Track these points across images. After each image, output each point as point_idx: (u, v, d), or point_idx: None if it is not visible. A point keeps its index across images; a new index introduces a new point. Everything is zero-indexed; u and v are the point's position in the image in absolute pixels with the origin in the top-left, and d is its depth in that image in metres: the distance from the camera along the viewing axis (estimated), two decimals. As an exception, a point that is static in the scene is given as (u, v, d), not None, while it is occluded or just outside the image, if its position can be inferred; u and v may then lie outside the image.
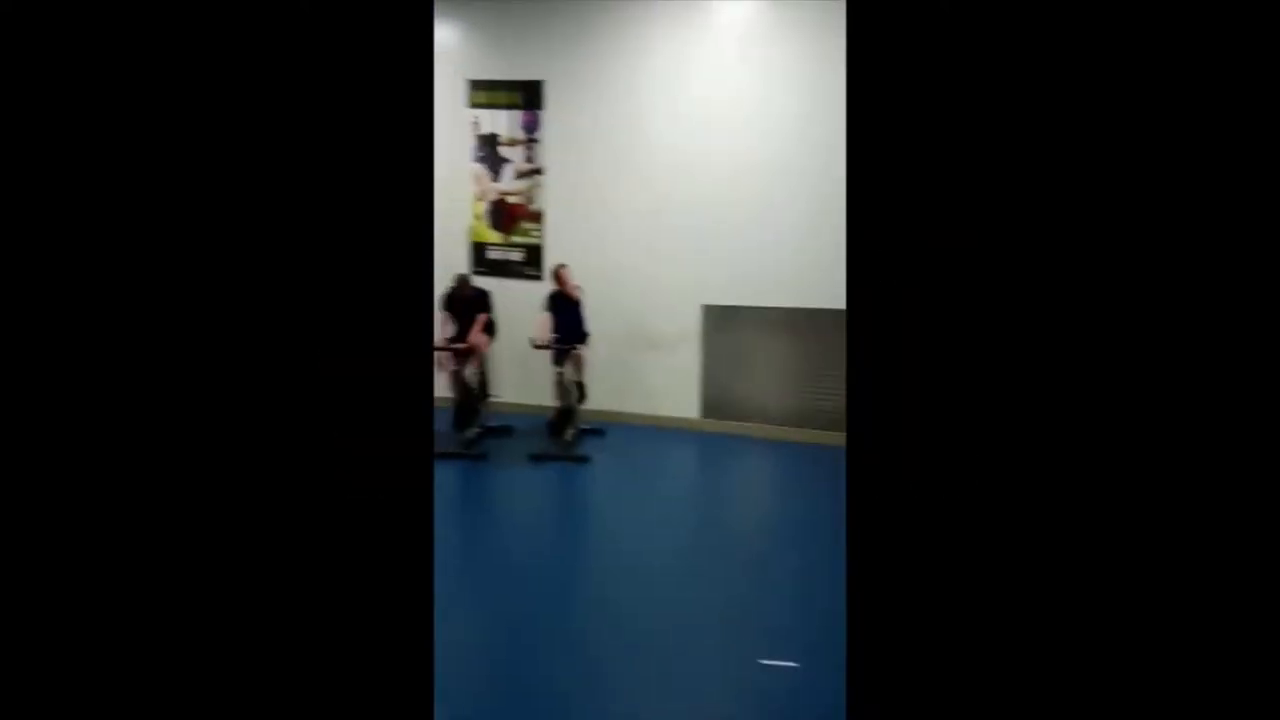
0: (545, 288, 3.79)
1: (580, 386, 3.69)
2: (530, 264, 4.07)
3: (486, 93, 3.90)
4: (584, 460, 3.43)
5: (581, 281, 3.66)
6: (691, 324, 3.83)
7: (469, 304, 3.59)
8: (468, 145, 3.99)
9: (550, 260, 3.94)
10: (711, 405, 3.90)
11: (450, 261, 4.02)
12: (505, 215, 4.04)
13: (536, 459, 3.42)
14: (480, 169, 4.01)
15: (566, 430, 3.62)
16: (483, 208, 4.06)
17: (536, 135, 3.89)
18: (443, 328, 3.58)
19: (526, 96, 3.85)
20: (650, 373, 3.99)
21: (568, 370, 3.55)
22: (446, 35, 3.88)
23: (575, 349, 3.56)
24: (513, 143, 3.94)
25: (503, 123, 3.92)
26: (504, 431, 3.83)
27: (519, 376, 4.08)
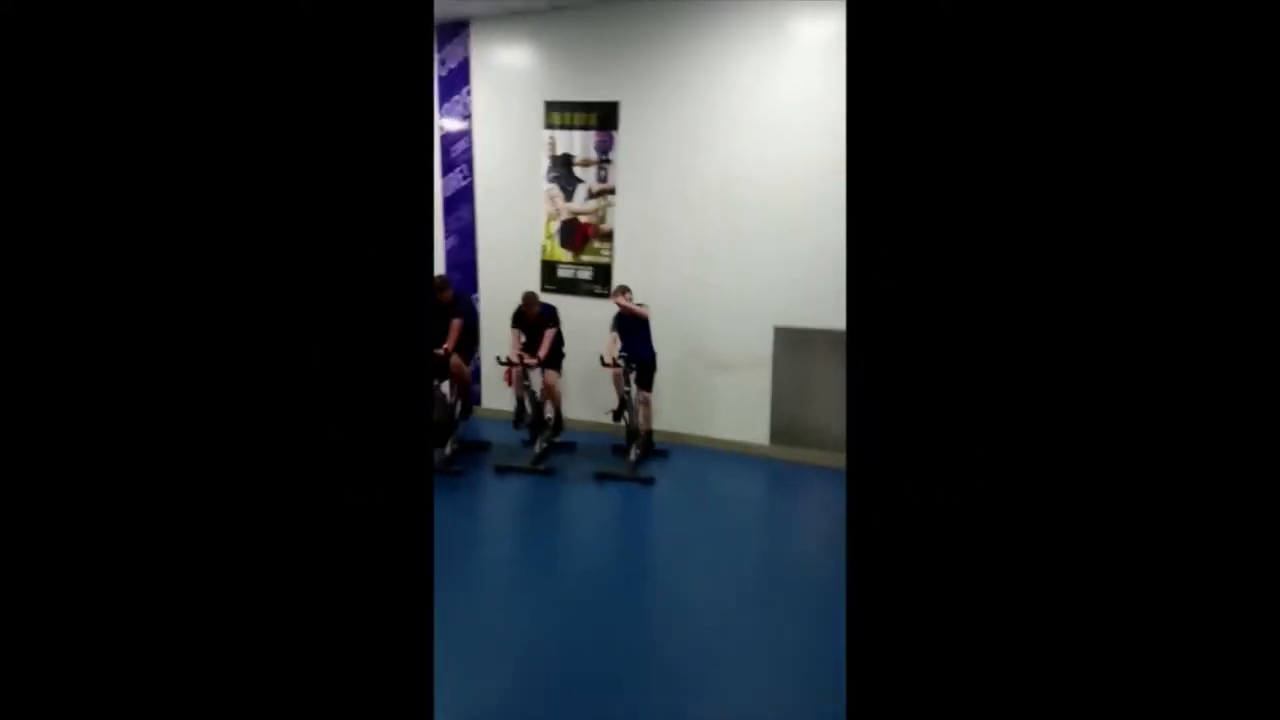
0: (614, 307, 3.80)
1: (648, 434, 3.68)
2: (599, 283, 4.09)
3: (562, 114, 3.99)
4: (649, 482, 3.38)
5: (650, 301, 3.64)
6: (763, 346, 3.74)
7: (537, 320, 3.64)
8: (542, 166, 4.07)
9: (620, 280, 3.95)
10: (781, 431, 3.77)
11: (521, 280, 4.11)
12: (576, 234, 4.09)
13: (602, 477, 3.40)
14: (553, 189, 4.08)
15: (631, 450, 3.59)
16: (554, 227, 4.13)
17: (610, 155, 3.93)
18: (514, 344, 3.64)
19: (601, 117, 3.91)
20: (719, 395, 3.91)
21: (636, 396, 3.53)
22: (523, 57, 4.00)
23: (644, 396, 3.57)
24: (586, 163, 3.99)
25: (577, 143, 3.99)
26: (569, 448, 3.84)
27: (585, 394, 4.09)
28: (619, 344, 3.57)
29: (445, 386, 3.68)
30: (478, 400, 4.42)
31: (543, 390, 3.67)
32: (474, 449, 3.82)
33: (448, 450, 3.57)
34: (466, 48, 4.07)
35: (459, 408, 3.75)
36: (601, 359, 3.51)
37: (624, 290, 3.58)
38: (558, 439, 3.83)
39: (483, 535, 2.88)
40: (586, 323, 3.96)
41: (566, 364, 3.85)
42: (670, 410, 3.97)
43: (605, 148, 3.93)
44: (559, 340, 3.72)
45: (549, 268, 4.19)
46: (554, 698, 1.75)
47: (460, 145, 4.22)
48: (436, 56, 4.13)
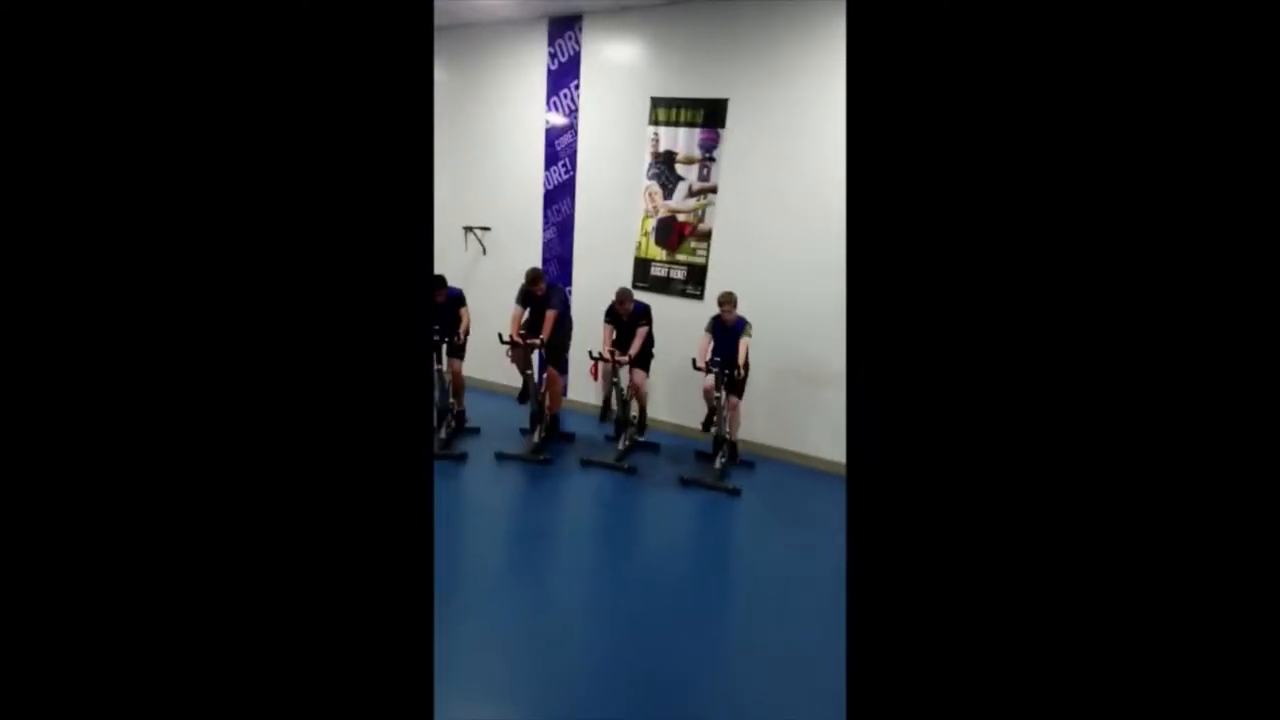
0: (706, 308, 3.73)
1: (733, 443, 3.59)
2: (693, 283, 4.03)
3: (668, 109, 3.92)
4: (735, 493, 3.32)
5: (743, 306, 3.54)
6: (863, 362, 3.55)
7: (630, 317, 3.64)
8: (644, 162, 4.04)
9: (714, 281, 3.87)
10: (876, 452, 3.58)
11: (615, 275, 4.12)
12: (673, 232, 4.04)
13: (686, 483, 3.38)
14: (653, 185, 4.04)
15: (716, 458, 3.54)
16: (651, 224, 4.10)
17: (714, 154, 3.84)
18: (605, 339, 3.67)
19: (708, 114, 3.81)
20: (812, 410, 3.77)
21: (725, 402, 3.46)
22: (633, 52, 3.96)
23: (734, 401, 3.48)
24: (689, 160, 3.92)
25: (681, 140, 3.91)
26: (653, 448, 3.84)
27: (673, 397, 4.07)
28: (713, 347, 3.51)
29: (536, 375, 3.76)
30: (564, 391, 4.50)
31: (629, 388, 3.67)
32: (560, 439, 3.91)
33: (536, 438, 3.67)
34: (578, 42, 4.08)
35: (546, 398, 3.84)
36: (694, 362, 3.47)
37: (729, 299, 3.47)
38: (641, 438, 3.83)
39: (566, 528, 2.94)
40: (677, 323, 3.92)
41: (654, 364, 3.83)
42: (760, 422, 3.87)
43: (710, 146, 3.84)
44: (650, 340, 3.70)
45: (642, 265, 4.17)
46: (614, 701, 1.75)
47: (565, 139, 4.26)
48: (547, 50, 4.17)
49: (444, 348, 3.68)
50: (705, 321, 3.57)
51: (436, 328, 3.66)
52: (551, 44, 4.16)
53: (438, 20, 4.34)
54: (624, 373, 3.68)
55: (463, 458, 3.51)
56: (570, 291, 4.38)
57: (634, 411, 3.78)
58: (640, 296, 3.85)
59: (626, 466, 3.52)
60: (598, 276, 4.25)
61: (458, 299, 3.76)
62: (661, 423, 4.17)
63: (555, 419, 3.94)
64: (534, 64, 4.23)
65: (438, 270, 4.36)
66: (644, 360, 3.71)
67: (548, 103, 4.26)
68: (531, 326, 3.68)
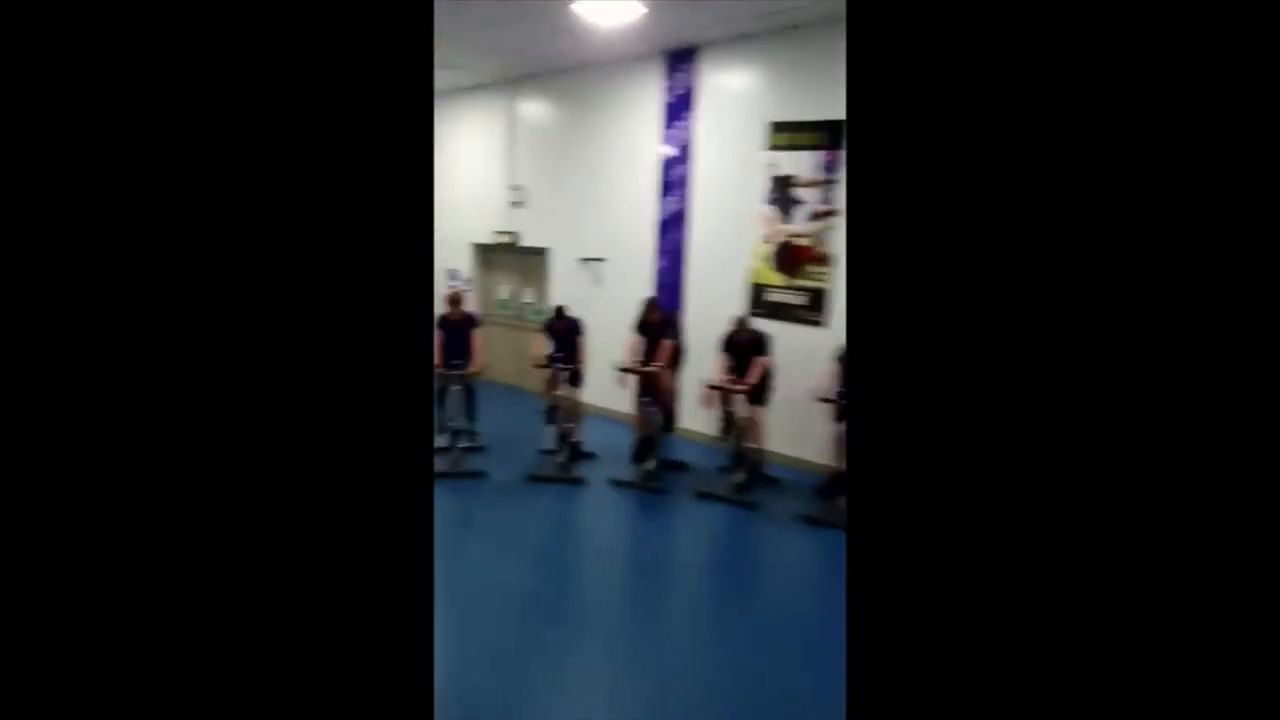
0: (829, 335, 3.56)
1: None
2: (813, 309, 3.87)
3: (786, 134, 3.85)
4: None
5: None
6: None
7: (746, 346, 3.55)
8: (760, 188, 3.98)
9: (838, 307, 3.69)
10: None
11: (728, 302, 4.07)
12: (791, 257, 3.92)
13: (809, 520, 3.19)
14: (770, 210, 3.96)
15: (839, 496, 3.32)
16: (768, 249, 4.01)
17: (835, 176, 3.69)
18: (721, 368, 3.61)
19: (828, 136, 3.68)
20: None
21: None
22: (749, 80, 3.94)
23: None
24: (809, 184, 3.80)
25: (800, 164, 3.81)
26: (772, 482, 3.69)
27: (792, 429, 3.90)
28: (838, 379, 3.33)
29: (652, 404, 3.78)
30: (676, 416, 4.48)
31: (746, 422, 3.57)
32: (672, 468, 3.87)
33: (651, 466, 3.66)
34: (694, 73, 4.15)
35: (662, 425, 3.83)
36: (815, 394, 3.30)
37: None
38: (761, 472, 3.70)
39: (680, 560, 2.87)
40: (796, 351, 3.77)
41: (773, 395, 3.70)
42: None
43: (831, 167, 3.70)
44: (768, 373, 3.58)
45: (757, 291, 4.09)
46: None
47: (679, 170, 4.32)
48: (664, 84, 4.28)
49: (563, 375, 3.82)
50: (828, 349, 3.40)
51: (558, 355, 3.81)
52: (668, 77, 4.27)
53: (556, 64, 4.61)
54: (740, 401, 3.58)
55: (580, 482, 3.58)
56: (682, 318, 4.39)
57: (749, 446, 3.67)
58: (756, 323, 3.75)
59: (746, 501, 3.40)
60: (711, 302, 4.22)
61: (575, 328, 3.90)
62: (781, 456, 4.00)
63: (669, 413, 3.93)
64: (650, 98, 4.35)
65: (557, 300, 4.55)
66: (761, 395, 3.59)
67: (663, 135, 4.35)
68: (647, 355, 3.71)
